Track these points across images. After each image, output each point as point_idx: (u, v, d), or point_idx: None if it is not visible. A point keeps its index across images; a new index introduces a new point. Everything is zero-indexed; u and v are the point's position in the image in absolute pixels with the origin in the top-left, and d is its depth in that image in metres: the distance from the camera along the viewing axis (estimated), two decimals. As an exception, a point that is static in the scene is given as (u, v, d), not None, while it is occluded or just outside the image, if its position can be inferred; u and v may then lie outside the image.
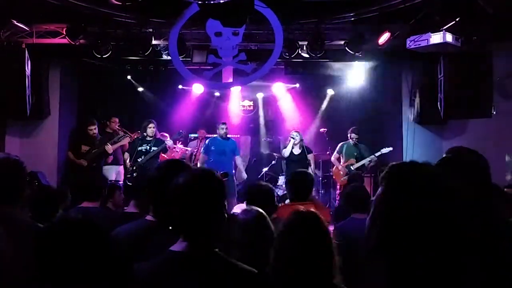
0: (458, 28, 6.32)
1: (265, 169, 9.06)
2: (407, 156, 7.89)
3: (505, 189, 5.88)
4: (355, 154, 8.08)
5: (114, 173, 7.95)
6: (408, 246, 1.24)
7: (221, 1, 4.99)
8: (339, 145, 8.27)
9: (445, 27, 6.24)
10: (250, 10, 5.86)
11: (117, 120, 8.39)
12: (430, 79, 7.42)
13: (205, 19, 6.74)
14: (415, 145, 7.90)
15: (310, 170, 7.33)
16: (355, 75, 8.85)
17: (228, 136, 7.95)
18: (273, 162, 9.18)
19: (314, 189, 8.79)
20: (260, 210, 2.34)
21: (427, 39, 6.33)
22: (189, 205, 1.64)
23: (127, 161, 7.68)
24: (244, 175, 8.13)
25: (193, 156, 8.50)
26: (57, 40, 7.24)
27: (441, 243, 1.23)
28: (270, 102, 10.27)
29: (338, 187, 8.27)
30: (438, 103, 7.15)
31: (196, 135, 9.47)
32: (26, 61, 6.99)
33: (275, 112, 10.33)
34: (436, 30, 6.27)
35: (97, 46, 7.16)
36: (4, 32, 7.08)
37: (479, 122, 7.24)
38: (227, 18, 5.54)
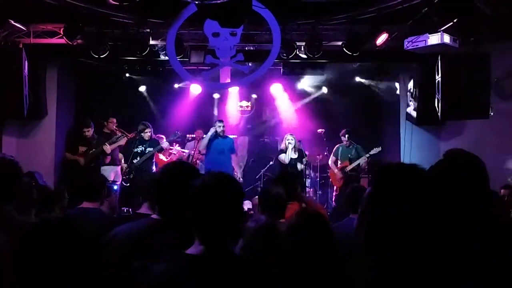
0: (455, 29, 6.31)
1: (262, 170, 9.06)
2: (404, 157, 7.90)
3: (502, 190, 5.94)
4: (349, 156, 8.10)
5: (112, 173, 7.93)
6: (392, 246, 1.25)
7: (219, 2, 4.99)
8: (335, 148, 8.30)
9: (442, 28, 6.24)
10: (248, 11, 5.86)
11: (114, 120, 8.41)
12: (427, 80, 7.41)
13: (203, 20, 6.74)
14: (412, 145, 7.92)
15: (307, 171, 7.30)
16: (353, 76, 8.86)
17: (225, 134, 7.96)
18: (271, 163, 9.17)
19: (311, 189, 8.91)
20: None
21: (425, 40, 6.34)
22: (211, 208, 1.60)
23: (122, 161, 7.70)
24: (238, 175, 8.11)
25: (191, 158, 8.49)
26: (54, 40, 7.23)
27: (424, 243, 1.24)
28: (267, 103, 10.26)
29: (335, 188, 8.30)
30: (436, 104, 7.15)
31: (193, 135, 9.46)
32: (24, 61, 6.96)
33: (272, 112, 10.32)
34: (433, 31, 6.29)
35: (95, 46, 7.15)
36: (1, 32, 7.07)
37: (476, 123, 7.24)
38: (225, 18, 5.54)
